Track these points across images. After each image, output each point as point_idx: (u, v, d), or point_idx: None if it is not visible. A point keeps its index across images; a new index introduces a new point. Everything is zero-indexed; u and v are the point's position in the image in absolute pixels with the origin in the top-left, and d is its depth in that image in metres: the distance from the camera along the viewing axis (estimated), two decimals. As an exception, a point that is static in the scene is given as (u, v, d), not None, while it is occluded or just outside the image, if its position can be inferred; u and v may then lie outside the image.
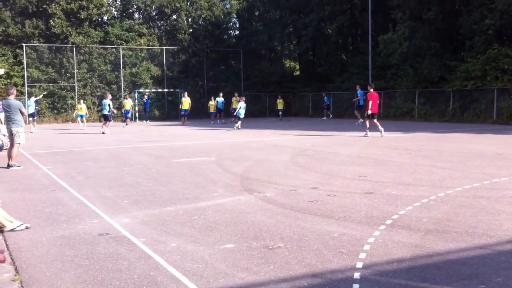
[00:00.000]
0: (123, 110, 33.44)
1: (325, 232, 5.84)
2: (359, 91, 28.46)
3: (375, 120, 19.97)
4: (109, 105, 25.80)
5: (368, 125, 20.09)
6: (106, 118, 25.52)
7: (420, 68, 33.24)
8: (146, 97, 38.25)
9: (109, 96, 26.87)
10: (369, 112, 19.84)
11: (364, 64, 37.95)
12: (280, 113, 36.53)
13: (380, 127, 19.67)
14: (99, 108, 40.20)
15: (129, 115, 32.86)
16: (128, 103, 32.40)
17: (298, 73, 52.40)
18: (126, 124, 31.43)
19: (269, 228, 6.08)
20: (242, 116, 25.53)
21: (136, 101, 39.08)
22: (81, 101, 33.03)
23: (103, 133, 24.13)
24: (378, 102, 20.57)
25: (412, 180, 9.26)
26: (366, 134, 20.02)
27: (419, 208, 6.96)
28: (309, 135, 21.06)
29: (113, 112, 26.32)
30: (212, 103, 33.55)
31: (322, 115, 37.27)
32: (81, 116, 30.99)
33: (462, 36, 32.11)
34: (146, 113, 38.30)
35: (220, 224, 6.29)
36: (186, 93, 33.07)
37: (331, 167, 11.15)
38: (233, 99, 33.20)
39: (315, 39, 43.78)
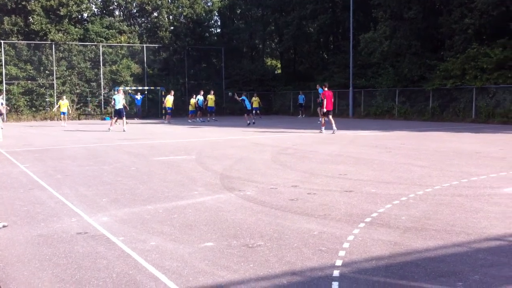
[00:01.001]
0: (164, 107, 33.47)
1: (305, 230, 5.85)
2: (320, 90, 28.74)
3: (330, 117, 21.05)
4: (123, 99, 24.69)
5: (324, 123, 21.15)
6: (119, 115, 24.45)
7: (400, 67, 33.51)
8: (139, 96, 37.82)
9: (121, 92, 25.58)
10: (324, 110, 20.96)
11: (345, 63, 38.15)
12: (258, 111, 35.81)
13: (333, 125, 20.78)
14: (78, 105, 39.85)
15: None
16: (170, 100, 32.40)
17: (279, 71, 52.49)
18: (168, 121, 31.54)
19: (249, 226, 6.07)
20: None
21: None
22: (64, 97, 32.68)
23: (124, 130, 23.33)
24: (332, 100, 21.67)
25: (391, 178, 9.33)
26: (321, 131, 21.04)
27: (398, 206, 7.01)
28: (289, 133, 21.10)
29: (126, 108, 25.07)
30: (193, 101, 33.35)
31: (309, 113, 37.40)
32: (63, 114, 30.72)
33: (442, 35, 32.44)
34: (139, 111, 37.94)
35: (200, 223, 6.26)
36: (172, 92, 32.81)
37: (312, 166, 11.17)
38: (209, 96, 33.05)
39: (296, 38, 43.88)
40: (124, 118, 24.30)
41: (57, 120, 33.02)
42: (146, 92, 40.12)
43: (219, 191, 8.38)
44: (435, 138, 18.17)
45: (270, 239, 5.50)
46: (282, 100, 44.45)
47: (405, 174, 9.79)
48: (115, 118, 25.23)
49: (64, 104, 31.02)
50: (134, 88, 39.87)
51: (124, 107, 24.65)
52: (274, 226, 6.06)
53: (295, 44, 45.52)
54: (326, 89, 21.11)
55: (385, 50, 33.87)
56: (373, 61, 35.64)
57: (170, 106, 31.80)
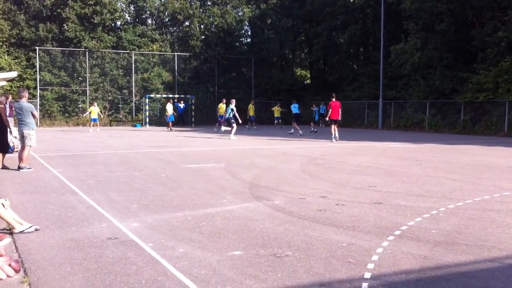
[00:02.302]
0: (166, 115, 33.62)
1: (333, 241, 5.82)
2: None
3: (334, 126, 21.81)
4: (232, 109, 24.82)
5: (333, 132, 21.74)
6: (229, 123, 24.89)
7: (431, 79, 33.14)
8: (182, 104, 37.85)
9: (233, 102, 25.57)
10: (327, 119, 22.32)
11: (375, 74, 37.91)
12: (279, 121, 35.43)
13: (335, 134, 21.65)
14: (110, 112, 40.46)
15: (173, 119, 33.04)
16: (170, 108, 32.65)
17: (309, 81, 52.42)
18: (170, 129, 31.66)
19: (277, 236, 6.07)
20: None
21: (147, 106, 39.28)
22: (95, 103, 33.12)
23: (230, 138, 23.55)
24: (339, 110, 22.36)
25: (422, 191, 9.22)
26: (332, 140, 21.62)
27: (428, 219, 6.92)
28: (316, 143, 21.02)
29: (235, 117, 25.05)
30: (222, 106, 32.65)
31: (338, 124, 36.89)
32: (94, 120, 31.15)
33: (475, 48, 32.00)
34: (181, 119, 38.04)
35: (228, 231, 6.29)
36: (224, 100, 31.88)
37: (340, 176, 11.12)
38: (250, 106, 33.26)
39: (326, 48, 43.82)
40: (233, 127, 24.53)
41: (88, 126, 33.43)
42: (190, 102, 40.20)
43: (248, 199, 8.40)
44: (467, 151, 17.90)
45: (298, 249, 5.49)
46: (311, 110, 44.30)
47: (435, 187, 9.67)
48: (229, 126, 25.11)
49: (95, 110, 31.49)
50: (165, 95, 40.27)
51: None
52: (302, 236, 6.04)
53: (325, 54, 45.44)
54: (333, 99, 22.11)
55: (416, 62, 33.56)
56: (403, 72, 35.34)
57: (222, 114, 31.59)
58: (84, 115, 35.07)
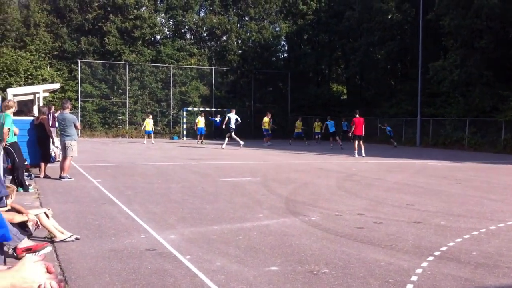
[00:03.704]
0: (196, 128, 33.88)
1: (371, 260, 5.76)
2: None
3: (360, 142, 22.11)
4: (236, 119, 26.57)
5: (356, 147, 22.10)
6: (233, 131, 26.33)
7: (471, 97, 32.55)
8: (218, 118, 37.96)
9: (233, 111, 27.24)
10: (350, 134, 22.85)
11: (413, 91, 37.43)
12: (319, 136, 35.30)
13: (358, 151, 21.92)
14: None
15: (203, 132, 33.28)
16: (201, 121, 32.91)
17: (345, 97, 52.15)
18: (201, 141, 31.91)
19: (314, 252, 6.04)
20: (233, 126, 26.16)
21: (185, 119, 39.70)
22: (150, 116, 33.48)
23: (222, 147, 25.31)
24: (362, 126, 22.54)
25: (462, 211, 9.04)
26: (355, 155, 21.93)
27: (469, 240, 6.78)
28: (354, 160, 20.85)
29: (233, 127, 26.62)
30: (267, 120, 32.58)
31: (376, 140, 36.49)
32: (148, 132, 31.52)
33: (516, 65, 31.34)
34: (219, 132, 38.15)
35: (265, 246, 6.29)
36: (269, 114, 32.53)
37: (378, 194, 11.01)
38: (297, 122, 33.09)
39: (363, 64, 43.57)
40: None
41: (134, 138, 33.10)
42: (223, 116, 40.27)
43: (284, 215, 8.39)
44: (508, 171, 17.48)
45: (335, 267, 5.45)
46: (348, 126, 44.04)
47: (476, 207, 9.47)
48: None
49: (150, 123, 31.91)
50: (202, 109, 40.61)
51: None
52: (339, 254, 6.00)
53: (361, 70, 45.17)
54: (357, 115, 22.51)
55: (455, 79, 33.03)
56: (442, 89, 34.80)
57: (267, 127, 31.79)
58: (142, 128, 34.92)
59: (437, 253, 6.09)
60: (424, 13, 34.31)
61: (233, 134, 26.19)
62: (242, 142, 26.15)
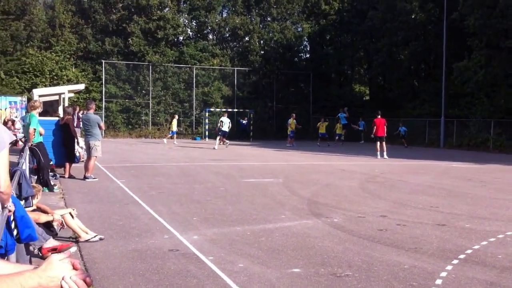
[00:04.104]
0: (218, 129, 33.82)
1: (394, 263, 5.72)
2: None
3: (382, 143, 22.01)
4: (229, 123, 27.63)
5: (378, 148, 21.96)
6: (224, 135, 27.38)
7: (496, 98, 32.06)
8: (245, 121, 37.98)
9: (226, 115, 28.48)
10: (372, 135, 22.71)
11: (436, 91, 37.01)
12: (339, 137, 34.99)
13: (380, 152, 21.80)
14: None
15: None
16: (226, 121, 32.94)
17: (367, 97, 51.80)
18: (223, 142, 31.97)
19: (336, 254, 6.02)
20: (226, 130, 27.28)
21: (206, 119, 39.82)
22: (176, 115, 33.52)
23: (214, 148, 26.22)
24: (384, 127, 22.58)
25: (487, 213, 8.92)
26: (377, 156, 21.84)
27: (494, 243, 6.68)
28: (377, 161, 20.70)
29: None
30: (292, 121, 31.99)
31: (397, 142, 36.05)
32: (174, 133, 31.49)
33: (543, 65, 30.76)
34: (245, 133, 38.08)
35: (287, 248, 6.28)
36: (293, 115, 32.39)
37: (401, 196, 10.91)
38: (290, 120, 32.22)
39: (386, 64, 43.21)
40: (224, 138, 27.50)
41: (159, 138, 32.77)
42: (249, 116, 40.33)
43: (306, 216, 8.37)
44: (534, 173, 17.17)
45: (358, 270, 5.42)
46: (369, 127, 43.70)
47: (501, 210, 9.32)
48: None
49: (175, 123, 31.98)
50: (224, 109, 40.71)
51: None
52: (362, 256, 5.96)
53: (384, 70, 44.80)
54: (378, 116, 22.57)
55: (479, 80, 32.57)
56: (466, 90, 34.34)
57: (293, 129, 31.58)
58: (169, 127, 34.52)
59: (462, 256, 6.02)
60: (448, 13, 33.90)
61: (223, 137, 27.46)
62: (227, 144, 27.46)
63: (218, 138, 27.66)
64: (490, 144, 31.41)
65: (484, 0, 31.46)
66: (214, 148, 26.28)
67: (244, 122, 37.83)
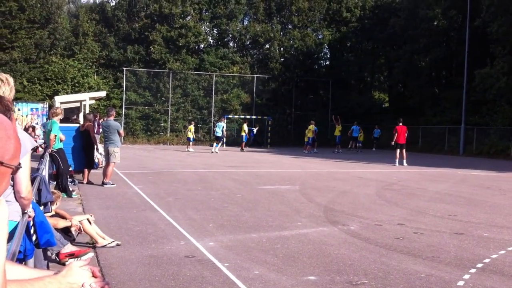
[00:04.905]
0: (241, 135, 33.82)
1: (411, 271, 5.67)
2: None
3: (402, 151, 21.96)
4: (223, 127, 29.37)
5: (397, 156, 21.91)
6: (218, 139, 29.24)
7: (518, 105, 31.66)
8: (256, 129, 37.88)
9: (224, 120, 29.90)
10: (392, 143, 22.55)
11: (457, 99, 36.65)
12: (359, 144, 35.00)
13: (399, 160, 21.76)
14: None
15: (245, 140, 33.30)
16: (244, 129, 33.01)
17: (387, 105, 51.48)
18: (242, 149, 32.05)
19: (353, 262, 5.99)
20: (219, 135, 29.47)
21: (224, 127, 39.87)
22: (193, 123, 33.59)
23: (213, 152, 27.68)
24: (405, 134, 22.59)
25: (506, 222, 8.80)
26: (396, 164, 21.81)
27: (513, 253, 6.59)
28: (395, 169, 20.54)
29: (224, 135, 29.99)
30: (311, 127, 31.82)
31: (418, 149, 35.73)
32: (190, 140, 31.54)
33: None
34: (249, 141, 38.02)
35: (303, 255, 6.27)
36: (313, 122, 32.33)
37: (419, 204, 10.82)
38: (310, 126, 32.04)
39: (407, 71, 42.95)
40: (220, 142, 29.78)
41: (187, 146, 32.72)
42: (266, 124, 40.34)
43: (323, 224, 8.35)
44: (557, 182, 16.88)
45: (374, 278, 5.39)
46: (388, 135, 43.36)
47: (521, 219, 9.20)
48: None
49: (192, 129, 32.09)
50: (242, 116, 40.76)
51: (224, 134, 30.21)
52: (378, 264, 5.93)
53: (405, 77, 44.53)
54: (400, 124, 22.56)
55: (502, 87, 32.18)
56: (488, 97, 33.95)
57: (312, 136, 31.49)
58: (187, 134, 34.37)
59: (479, 265, 5.95)
60: (471, 20, 33.63)
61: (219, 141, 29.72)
62: (217, 151, 28.39)
63: (215, 142, 29.73)
64: (510, 152, 30.97)
65: (508, 6, 31.15)
66: (212, 152, 27.83)
67: (254, 130, 37.84)
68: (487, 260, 6.17)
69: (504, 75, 32.03)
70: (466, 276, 5.50)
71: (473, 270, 5.73)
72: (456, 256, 6.38)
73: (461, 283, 5.26)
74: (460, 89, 35.53)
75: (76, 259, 5.74)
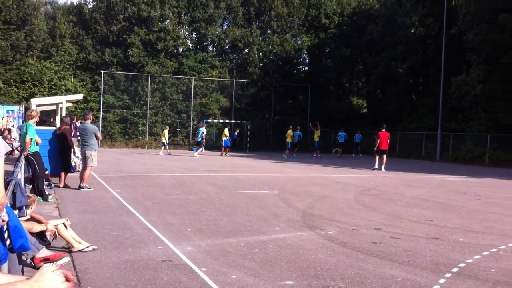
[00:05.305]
0: (222, 140, 33.61)
1: (387, 275, 5.72)
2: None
3: (383, 157, 22.26)
4: (203, 132, 30.40)
5: (377, 160, 22.24)
6: (199, 144, 30.61)
7: (493, 112, 32.18)
8: (236, 132, 37.78)
9: (204, 125, 31.03)
10: (375, 148, 22.59)
11: (434, 105, 37.16)
12: (340, 149, 35.30)
13: (379, 164, 22.08)
14: (168, 135, 41.21)
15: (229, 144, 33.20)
16: (225, 133, 32.88)
17: (365, 110, 51.94)
18: (225, 154, 31.88)
19: (330, 267, 6.02)
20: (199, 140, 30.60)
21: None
22: (167, 127, 33.90)
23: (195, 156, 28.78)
24: (387, 140, 22.78)
25: (481, 227, 8.93)
26: (373, 168, 22.22)
27: (488, 257, 6.69)
28: (372, 174, 20.71)
29: (204, 140, 31.05)
30: (290, 132, 32.18)
31: (396, 154, 36.07)
32: (164, 144, 31.56)
33: (541, 81, 30.89)
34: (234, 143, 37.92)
35: (281, 260, 6.28)
36: (299, 127, 33.56)
37: (396, 209, 10.92)
38: (289, 131, 32.25)
39: (384, 78, 43.41)
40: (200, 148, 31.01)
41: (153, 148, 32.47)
42: (246, 128, 40.33)
43: (301, 228, 8.37)
44: (530, 188, 17.19)
45: (351, 282, 5.42)
46: (366, 140, 43.71)
47: (496, 224, 9.34)
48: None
49: (166, 133, 32.04)
50: (221, 121, 40.73)
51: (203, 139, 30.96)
52: (355, 269, 5.97)
53: (382, 84, 45.00)
54: (383, 130, 22.81)
55: (477, 94, 32.70)
56: (464, 105, 34.47)
57: (291, 140, 31.77)
58: (164, 139, 34.12)
59: (455, 269, 6.03)
60: (448, 28, 34.13)
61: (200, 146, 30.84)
62: (196, 155, 29.53)
63: (197, 146, 31.22)
64: (486, 158, 31.46)
65: (484, 15, 31.67)
66: (194, 156, 28.95)
67: (235, 134, 37.85)
68: (462, 265, 6.25)
69: (480, 83, 32.56)
70: (442, 281, 5.56)
71: (448, 275, 5.80)
72: (432, 260, 6.45)
73: (436, 287, 5.32)
74: (436, 96, 36.05)
75: (51, 263, 5.67)
